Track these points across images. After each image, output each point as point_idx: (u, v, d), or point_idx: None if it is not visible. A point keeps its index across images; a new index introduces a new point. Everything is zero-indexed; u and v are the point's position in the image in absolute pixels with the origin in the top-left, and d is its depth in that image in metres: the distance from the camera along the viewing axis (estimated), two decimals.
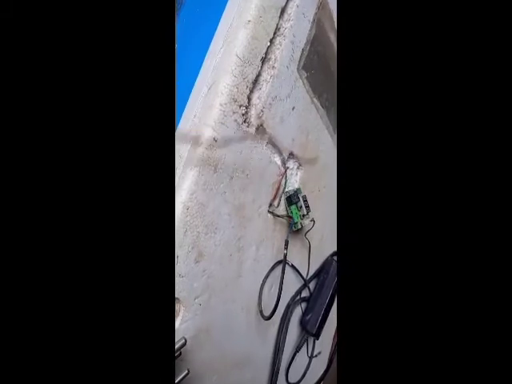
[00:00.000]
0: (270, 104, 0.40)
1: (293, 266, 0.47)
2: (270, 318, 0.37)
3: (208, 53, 0.38)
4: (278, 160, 0.43)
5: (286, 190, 0.45)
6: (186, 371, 0.30)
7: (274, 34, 0.40)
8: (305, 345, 0.52)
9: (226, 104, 0.34)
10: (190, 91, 0.37)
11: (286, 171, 0.44)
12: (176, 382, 0.29)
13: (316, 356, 0.55)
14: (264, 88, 0.39)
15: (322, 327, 0.49)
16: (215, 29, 0.39)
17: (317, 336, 0.48)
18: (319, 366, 0.56)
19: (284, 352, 0.47)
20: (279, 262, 0.44)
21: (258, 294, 0.42)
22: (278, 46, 0.40)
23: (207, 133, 0.33)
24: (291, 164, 0.46)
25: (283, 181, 0.44)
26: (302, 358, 0.53)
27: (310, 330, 0.47)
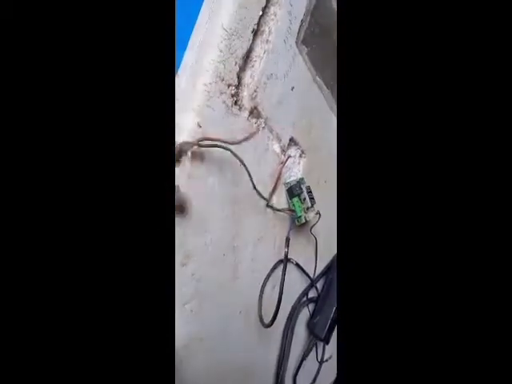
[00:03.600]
0: (265, 83, 0.35)
1: (297, 265, 0.42)
2: (270, 325, 0.33)
3: (195, 28, 0.34)
4: (276, 147, 0.38)
5: (288, 180, 0.40)
6: None
7: (267, 2, 0.35)
8: (314, 349, 0.48)
9: (210, 83, 0.30)
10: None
11: (287, 159, 0.39)
12: None
13: (327, 361, 0.51)
14: (257, 65, 0.34)
15: (332, 330, 0.44)
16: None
17: (326, 340, 0.43)
18: (331, 370, 0.52)
19: (291, 358, 0.43)
20: (281, 261, 0.39)
21: (257, 297, 0.38)
22: (273, 16, 0.35)
23: (190, 117, 0.29)
24: (293, 151, 0.41)
25: (283, 170, 0.39)
26: (311, 362, 0.49)
27: (319, 334, 0.43)
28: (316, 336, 0.44)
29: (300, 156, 0.43)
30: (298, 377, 0.44)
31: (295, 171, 0.42)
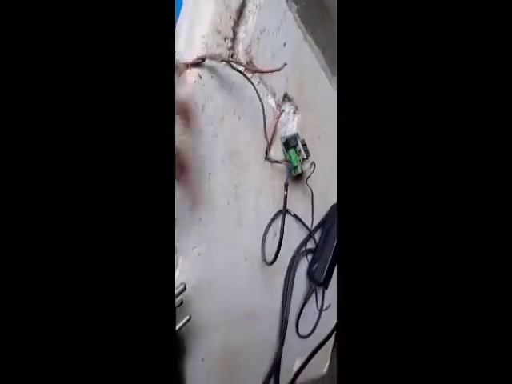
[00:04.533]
0: (259, 38, 0.37)
1: (295, 216, 0.45)
2: (272, 262, 0.36)
3: None
4: (271, 101, 0.40)
5: (283, 135, 0.42)
6: (188, 317, 0.29)
7: None
8: (314, 298, 0.51)
9: (208, 35, 0.31)
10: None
11: (281, 113, 0.41)
12: (178, 327, 0.28)
13: (326, 309, 0.55)
14: (251, 20, 0.36)
15: (330, 277, 0.47)
16: None
17: (325, 285, 0.47)
18: (330, 319, 0.55)
19: (293, 306, 0.46)
20: (280, 212, 0.42)
21: (260, 245, 0.40)
22: None
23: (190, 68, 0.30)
24: (287, 107, 0.43)
25: (279, 125, 0.41)
26: (311, 311, 0.52)
27: (318, 279, 0.46)
28: (315, 281, 0.47)
29: (294, 112, 0.44)
30: (300, 322, 0.48)
31: (290, 127, 0.44)
